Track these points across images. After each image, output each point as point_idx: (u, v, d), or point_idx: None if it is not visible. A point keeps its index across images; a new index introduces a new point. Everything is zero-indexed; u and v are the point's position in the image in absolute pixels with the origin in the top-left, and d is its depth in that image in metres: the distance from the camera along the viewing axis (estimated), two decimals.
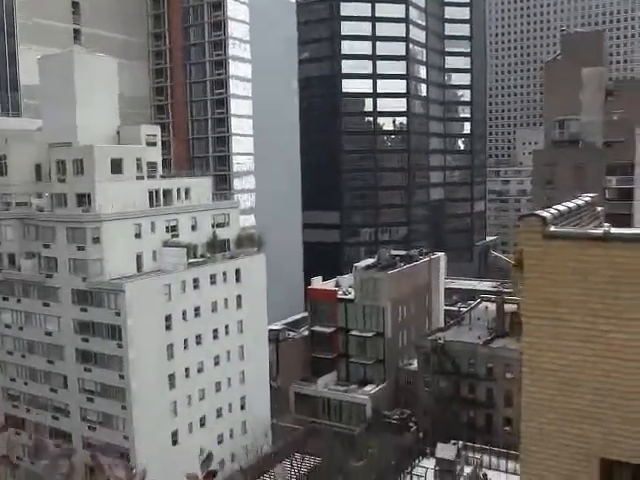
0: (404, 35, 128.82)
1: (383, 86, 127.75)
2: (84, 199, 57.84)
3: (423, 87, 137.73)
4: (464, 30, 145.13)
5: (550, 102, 76.59)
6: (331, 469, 59.82)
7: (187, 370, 60.15)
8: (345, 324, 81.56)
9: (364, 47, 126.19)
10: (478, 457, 41.39)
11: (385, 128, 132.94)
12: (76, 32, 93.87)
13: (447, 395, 72.52)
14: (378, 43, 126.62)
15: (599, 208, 12.50)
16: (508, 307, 78.92)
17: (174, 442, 58.87)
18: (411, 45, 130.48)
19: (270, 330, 75.66)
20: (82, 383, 58.84)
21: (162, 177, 67.49)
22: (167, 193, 64.09)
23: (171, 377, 58.61)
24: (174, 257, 59.73)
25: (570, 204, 9.98)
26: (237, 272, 65.86)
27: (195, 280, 60.89)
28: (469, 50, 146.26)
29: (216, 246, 65.71)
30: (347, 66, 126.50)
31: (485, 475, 39.22)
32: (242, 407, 66.42)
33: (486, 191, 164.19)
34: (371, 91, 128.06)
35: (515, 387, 70.54)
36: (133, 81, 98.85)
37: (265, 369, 70.65)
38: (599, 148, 69.62)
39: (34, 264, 60.90)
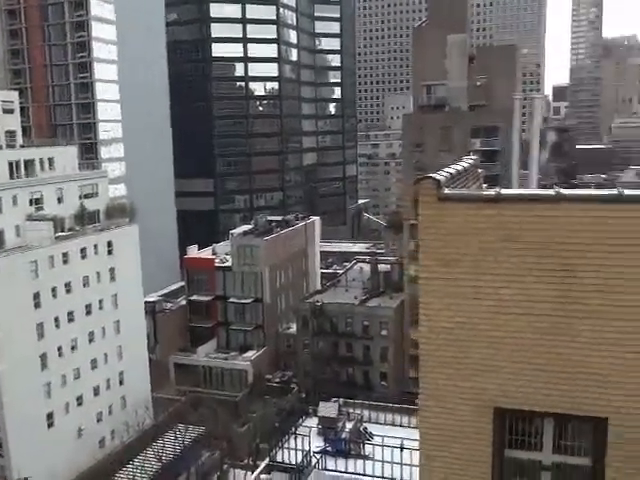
0: None
1: (254, 50, 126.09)
2: None
3: (294, 52, 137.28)
4: None
5: (418, 67, 78.86)
6: (215, 436, 59.82)
7: (60, 349, 57.54)
8: (223, 292, 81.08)
9: (234, 10, 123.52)
10: (358, 412, 42.66)
11: (257, 93, 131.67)
12: None
13: (326, 355, 74.38)
14: (248, 6, 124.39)
15: (480, 170, 13.01)
16: (382, 267, 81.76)
17: (50, 424, 56.42)
18: (281, 9, 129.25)
19: (146, 302, 73.79)
20: None
21: (22, 147, 63.21)
22: (29, 164, 60.15)
23: (43, 357, 55.84)
24: (40, 231, 56.35)
25: (458, 166, 10.27)
26: (109, 244, 63.38)
27: (64, 255, 57.95)
28: (339, 15, 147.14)
29: (85, 218, 62.77)
30: (217, 30, 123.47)
31: (365, 429, 40.59)
32: (121, 382, 64.66)
33: (357, 155, 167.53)
34: (242, 55, 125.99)
35: (390, 344, 73.65)
36: None
37: (143, 342, 69.01)
38: (464, 112, 72.75)
39: None
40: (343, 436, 37.99)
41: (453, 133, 72.15)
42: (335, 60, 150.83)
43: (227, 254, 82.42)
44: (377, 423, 40.91)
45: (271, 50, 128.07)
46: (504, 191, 8.47)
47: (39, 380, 55.47)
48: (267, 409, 63.69)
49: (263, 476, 35.86)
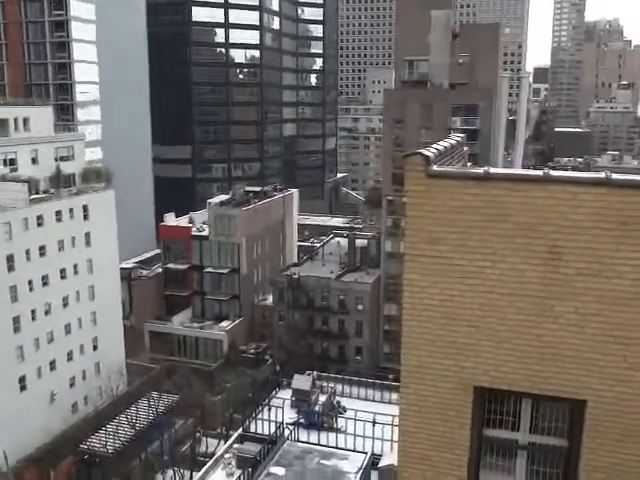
0: None
1: (235, 16, 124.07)
2: None
3: (276, 20, 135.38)
4: None
5: (401, 42, 78.39)
6: (189, 405, 60.01)
7: (33, 313, 56.96)
8: (200, 261, 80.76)
9: None
10: (332, 386, 43.01)
11: (237, 61, 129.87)
12: None
13: (301, 328, 74.73)
14: None
15: (465, 148, 12.93)
16: (359, 242, 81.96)
17: (22, 388, 56.09)
18: None
19: (121, 269, 73.18)
20: None
21: None
22: (3, 123, 58.92)
23: (15, 320, 55.23)
24: (14, 193, 55.33)
25: (445, 143, 10.18)
26: (85, 209, 62.54)
27: (39, 217, 57.10)
28: None
29: (60, 181, 61.77)
30: None
31: (339, 402, 40.98)
32: (95, 348, 64.36)
33: (337, 128, 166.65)
34: (223, 21, 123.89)
35: (365, 319, 74.17)
36: None
37: (117, 309, 68.59)
38: (445, 89, 72.60)
39: None
40: (316, 409, 38.30)
41: (434, 110, 72.06)
42: (317, 30, 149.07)
43: (204, 223, 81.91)
44: (350, 397, 41.32)
45: (253, 17, 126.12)
46: (492, 170, 8.42)
47: (11, 343, 54.97)
48: (241, 380, 63.98)
49: (236, 445, 36.09)
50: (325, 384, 42.41)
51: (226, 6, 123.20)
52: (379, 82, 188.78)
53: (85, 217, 62.50)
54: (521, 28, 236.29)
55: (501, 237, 8.31)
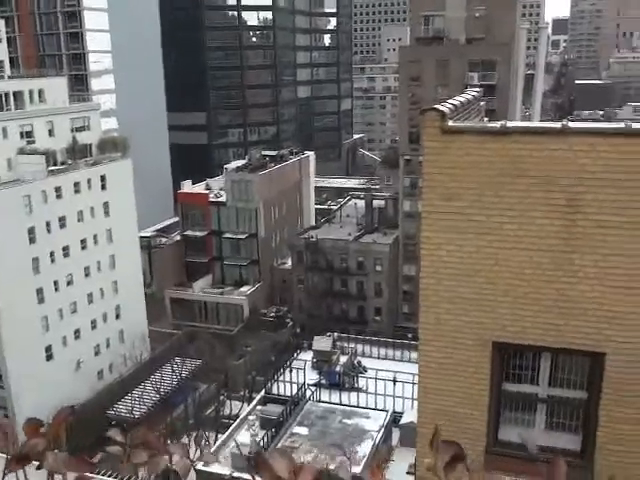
0: None
1: None
2: None
3: None
4: None
5: None
6: (212, 369, 60.91)
7: (56, 283, 57.74)
8: (218, 227, 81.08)
9: None
10: (352, 346, 43.41)
11: (250, 23, 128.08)
12: None
13: (321, 290, 75.08)
14: None
15: (482, 103, 12.74)
16: (376, 202, 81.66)
17: (48, 357, 57.26)
18: None
19: (141, 237, 73.75)
20: None
21: (10, 77, 61.69)
22: (18, 95, 58.91)
23: (39, 292, 56.09)
24: (32, 165, 55.66)
25: (461, 98, 10.01)
26: (102, 179, 62.78)
27: (57, 189, 57.44)
28: None
29: (77, 152, 61.94)
30: None
31: (359, 362, 41.40)
32: (117, 317, 65.26)
33: (352, 88, 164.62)
34: None
35: (384, 279, 74.31)
36: None
37: (138, 277, 69.32)
38: (462, 45, 71.20)
39: None
40: (337, 369, 38.71)
41: (450, 67, 70.81)
42: None
43: (221, 189, 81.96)
44: (370, 357, 41.69)
45: None
46: (510, 124, 8.28)
47: (36, 314, 55.90)
48: (262, 343, 64.73)
49: (259, 407, 36.69)
50: (345, 345, 42.80)
51: None
52: (394, 40, 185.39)
53: (103, 187, 62.79)
54: None
55: (519, 192, 8.22)
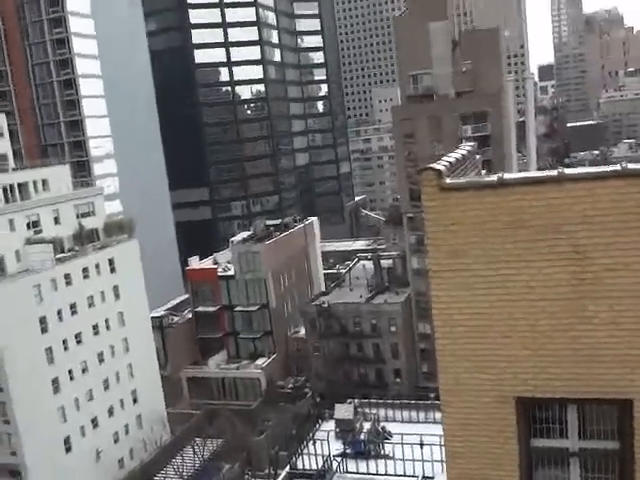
0: (252, 0, 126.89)
1: (237, 54, 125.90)
2: None
3: (277, 52, 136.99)
4: None
5: (402, 58, 78.59)
6: (234, 447, 59.59)
7: (71, 372, 57.32)
8: (229, 301, 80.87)
9: (213, 15, 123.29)
10: (375, 412, 42.58)
11: (244, 97, 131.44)
12: None
13: (337, 356, 74.12)
14: (227, 10, 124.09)
15: (477, 156, 12.82)
16: (384, 262, 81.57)
17: (67, 449, 56.23)
18: (260, 10, 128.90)
19: (153, 317, 73.59)
20: None
21: (15, 170, 62.93)
22: (23, 187, 59.95)
23: (54, 382, 55.63)
24: (40, 254, 56.14)
25: (457, 154, 10.09)
26: (110, 262, 63.15)
27: (66, 276, 57.76)
28: (318, 12, 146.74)
29: (84, 237, 62.56)
30: (198, 36, 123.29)
31: (383, 428, 40.49)
32: (135, 401, 64.41)
33: (349, 151, 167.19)
34: (225, 60, 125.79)
35: (400, 339, 73.44)
36: None
37: (153, 358, 68.79)
38: (452, 99, 72.57)
39: None
40: (361, 437, 37.89)
41: (443, 121, 71.97)
42: (319, 57, 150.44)
43: (229, 262, 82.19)
44: (394, 421, 40.90)
45: (254, 52, 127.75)
46: (507, 176, 8.30)
47: (53, 404, 55.29)
48: (283, 416, 63.55)
49: None
50: (367, 411, 42.05)
51: (227, 45, 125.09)
52: (385, 100, 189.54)
53: (112, 270, 63.10)
54: (521, 29, 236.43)
55: (523, 242, 8.17)
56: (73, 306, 58.11)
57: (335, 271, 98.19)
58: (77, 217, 63.03)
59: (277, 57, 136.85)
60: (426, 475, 32.70)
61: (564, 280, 8.06)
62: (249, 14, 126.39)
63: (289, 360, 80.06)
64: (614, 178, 7.84)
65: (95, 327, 60.54)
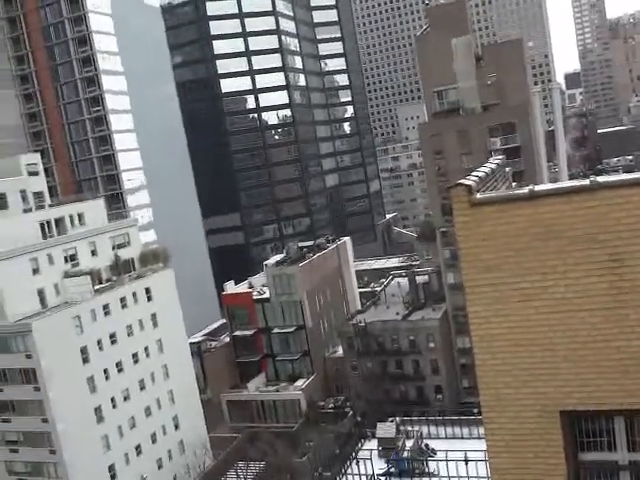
0: (274, 27, 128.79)
1: (262, 81, 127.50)
2: None
3: (301, 77, 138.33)
4: (332, 16, 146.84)
5: (426, 75, 78.77)
6: (276, 470, 59.40)
7: (113, 400, 57.93)
8: (265, 324, 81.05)
9: (237, 45, 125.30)
10: (417, 429, 42.14)
11: (270, 123, 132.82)
12: None
13: (376, 375, 73.60)
14: (250, 39, 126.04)
15: (507, 169, 12.78)
16: (419, 278, 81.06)
17: (112, 477, 56.69)
18: (283, 37, 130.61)
19: (191, 343, 74.11)
20: (2, 435, 55.49)
21: (51, 206, 64.43)
22: (59, 222, 61.26)
23: (97, 410, 56.26)
24: (78, 286, 57.19)
25: (486, 168, 10.10)
26: (147, 291, 63.95)
27: (105, 306, 58.62)
28: (340, 35, 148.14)
29: (120, 268, 63.51)
30: (223, 66, 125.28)
31: (427, 445, 40.00)
32: (176, 427, 64.76)
33: (378, 170, 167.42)
34: (251, 88, 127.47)
35: (439, 355, 72.64)
36: (1, 110, 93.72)
37: (193, 384, 69.17)
38: (478, 113, 72.33)
39: None
40: (405, 455, 37.50)
41: (471, 135, 71.75)
42: (343, 79, 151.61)
43: (264, 285, 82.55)
44: (438, 438, 40.41)
45: (279, 79, 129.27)
46: (538, 187, 8.28)
47: (96, 433, 55.89)
48: (324, 437, 63.12)
49: None
50: (410, 428, 41.63)
51: (252, 73, 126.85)
52: (412, 118, 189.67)
53: (149, 299, 63.87)
54: (544, 38, 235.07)
55: (558, 253, 8.11)
56: (113, 335, 58.89)
57: (370, 289, 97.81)
58: (113, 248, 64.09)
59: (302, 82, 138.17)
60: None
61: (602, 290, 7.97)
62: (272, 41, 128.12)
63: (328, 380, 79.73)
64: None
65: (135, 355, 61.21)
